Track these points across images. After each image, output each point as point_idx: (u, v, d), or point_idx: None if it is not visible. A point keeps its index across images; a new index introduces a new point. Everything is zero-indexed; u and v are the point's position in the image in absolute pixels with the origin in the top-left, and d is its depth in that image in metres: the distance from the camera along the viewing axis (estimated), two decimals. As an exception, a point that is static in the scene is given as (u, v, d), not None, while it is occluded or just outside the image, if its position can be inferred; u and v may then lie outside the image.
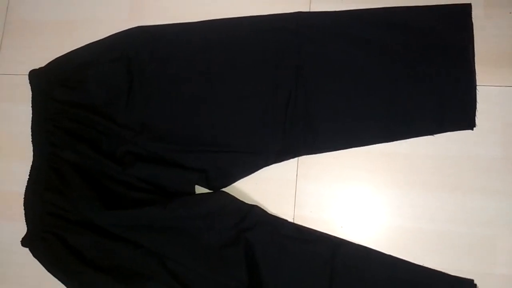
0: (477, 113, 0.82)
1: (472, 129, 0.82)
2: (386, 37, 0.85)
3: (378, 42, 0.85)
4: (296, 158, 0.88)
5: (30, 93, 0.90)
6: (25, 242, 0.85)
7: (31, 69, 0.92)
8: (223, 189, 0.88)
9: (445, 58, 0.83)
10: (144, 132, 0.88)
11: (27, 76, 0.91)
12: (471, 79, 0.83)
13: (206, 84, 0.88)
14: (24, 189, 0.87)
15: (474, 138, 0.83)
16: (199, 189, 0.89)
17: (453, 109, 0.82)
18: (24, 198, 0.87)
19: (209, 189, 0.89)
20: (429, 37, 0.84)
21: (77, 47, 0.93)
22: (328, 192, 0.87)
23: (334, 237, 0.83)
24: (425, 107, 0.83)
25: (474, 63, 0.83)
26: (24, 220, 0.86)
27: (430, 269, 0.80)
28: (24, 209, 0.86)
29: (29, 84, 0.90)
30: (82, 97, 0.89)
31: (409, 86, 0.84)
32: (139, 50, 0.90)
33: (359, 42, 0.86)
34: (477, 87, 0.82)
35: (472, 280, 0.79)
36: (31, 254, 0.84)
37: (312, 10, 0.91)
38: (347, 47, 0.86)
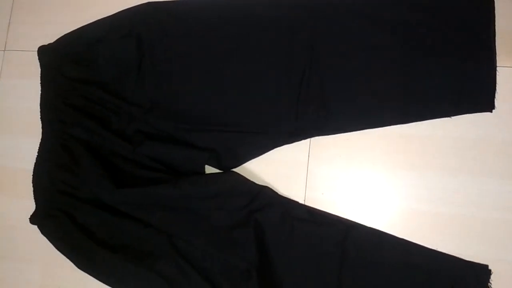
0: (496, 95, 0.80)
1: (491, 111, 0.80)
2: (404, 16, 0.83)
3: (395, 20, 0.83)
4: (308, 139, 0.86)
5: (39, 69, 0.89)
6: (33, 219, 0.84)
7: (40, 45, 0.91)
8: (234, 170, 0.87)
9: (465, 38, 0.81)
10: (154, 110, 0.87)
11: (36, 52, 0.90)
12: (491, 60, 0.80)
13: (217, 63, 0.87)
14: (33, 166, 0.86)
15: (493, 120, 0.80)
16: (210, 169, 0.88)
17: (472, 90, 0.80)
18: (33, 175, 0.86)
19: (219, 169, 0.87)
20: (448, 16, 0.82)
21: (87, 23, 0.91)
22: (340, 174, 0.85)
23: (346, 219, 0.82)
24: (443, 88, 0.80)
25: (495, 43, 0.80)
26: (33, 198, 0.85)
27: (444, 253, 0.78)
28: (33, 186, 0.86)
29: (38, 61, 0.90)
30: (91, 74, 0.88)
31: (427, 66, 0.81)
32: (149, 27, 0.88)
33: (376, 20, 0.83)
34: (497, 68, 0.80)
35: (487, 266, 0.77)
36: (39, 232, 0.83)
37: (327, -13, 0.88)
38: (363, 25, 0.83)
